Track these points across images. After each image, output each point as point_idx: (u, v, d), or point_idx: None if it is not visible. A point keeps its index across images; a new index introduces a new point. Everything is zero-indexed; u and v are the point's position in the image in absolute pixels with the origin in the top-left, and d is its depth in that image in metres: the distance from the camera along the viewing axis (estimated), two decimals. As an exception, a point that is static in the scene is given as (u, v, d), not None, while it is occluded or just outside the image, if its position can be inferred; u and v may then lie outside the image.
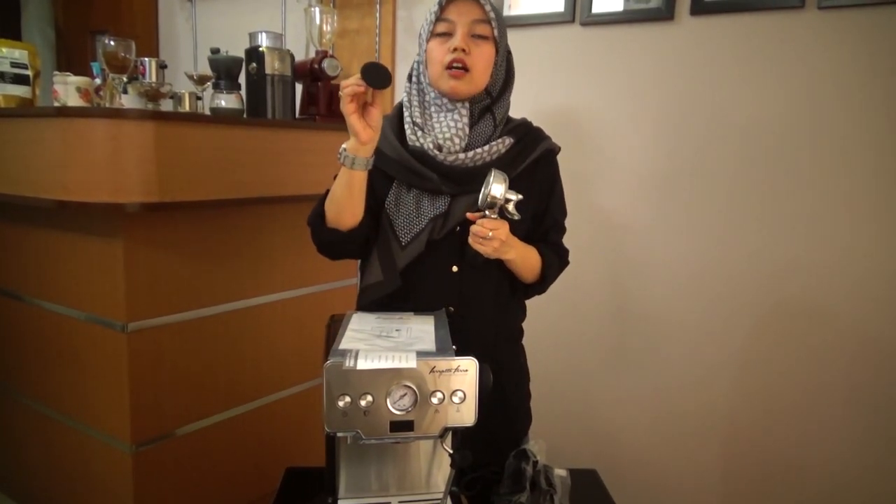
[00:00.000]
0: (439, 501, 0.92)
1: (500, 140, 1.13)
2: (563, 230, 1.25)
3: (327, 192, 1.17)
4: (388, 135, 1.15)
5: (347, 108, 0.98)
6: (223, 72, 1.98)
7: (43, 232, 1.78)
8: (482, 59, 1.09)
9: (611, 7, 1.77)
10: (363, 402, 0.79)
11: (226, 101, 1.98)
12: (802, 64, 1.58)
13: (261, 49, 1.92)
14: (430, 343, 0.88)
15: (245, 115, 2.00)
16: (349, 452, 0.92)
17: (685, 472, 1.84)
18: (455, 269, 1.14)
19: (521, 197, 1.03)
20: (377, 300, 1.16)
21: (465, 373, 0.82)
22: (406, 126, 1.14)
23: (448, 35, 1.09)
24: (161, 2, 2.73)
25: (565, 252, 1.25)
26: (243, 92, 2.02)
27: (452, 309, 1.14)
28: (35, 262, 1.83)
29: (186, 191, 1.57)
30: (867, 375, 1.58)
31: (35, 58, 1.92)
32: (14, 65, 1.85)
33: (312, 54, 2.09)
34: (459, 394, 0.82)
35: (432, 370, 0.81)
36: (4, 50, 1.84)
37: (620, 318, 1.90)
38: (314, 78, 2.03)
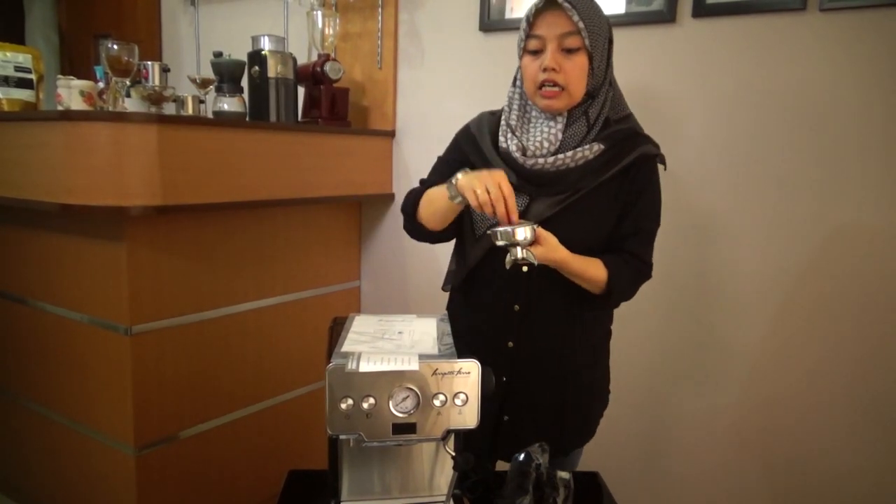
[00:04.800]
0: (442, 504, 0.92)
1: (587, 146, 1.10)
2: (646, 239, 1.17)
3: (424, 182, 1.25)
4: (485, 133, 1.19)
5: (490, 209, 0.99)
6: (226, 75, 1.99)
7: (46, 235, 1.78)
8: (575, 73, 1.07)
9: (612, 10, 1.77)
10: (366, 405, 0.79)
11: (228, 104, 1.98)
12: (803, 66, 1.57)
13: (263, 52, 1.93)
14: (432, 345, 0.88)
15: (248, 119, 2.01)
16: (352, 455, 0.92)
17: (689, 475, 1.84)
18: (525, 268, 1.10)
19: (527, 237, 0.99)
20: (457, 288, 1.28)
21: (467, 375, 0.82)
22: (500, 128, 1.16)
23: (539, 52, 1.08)
24: (164, 6, 2.74)
25: (645, 265, 1.17)
26: (246, 95, 2.03)
27: (518, 307, 1.16)
28: (39, 266, 1.83)
29: (189, 194, 1.58)
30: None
31: (38, 62, 1.93)
32: (18, 69, 1.86)
33: (315, 58, 2.10)
34: (462, 396, 0.82)
35: (434, 372, 0.81)
36: (8, 54, 1.84)
37: (623, 318, 1.89)
38: (316, 81, 2.04)
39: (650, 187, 1.16)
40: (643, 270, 1.17)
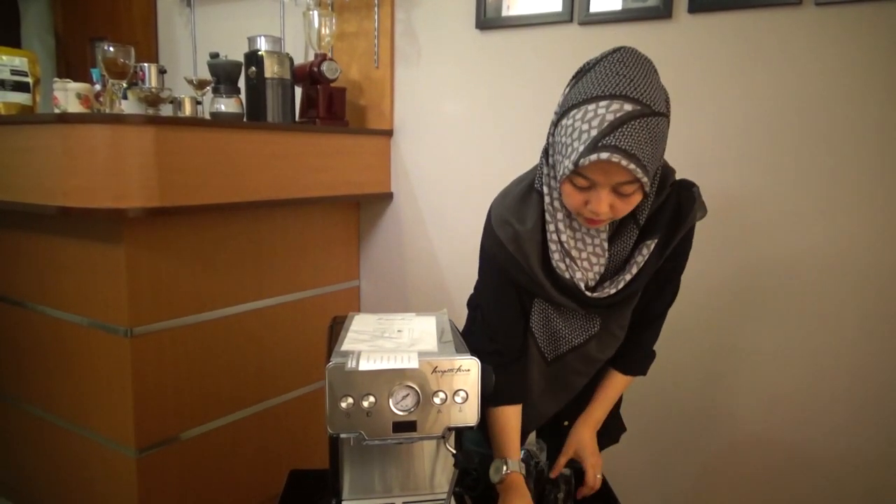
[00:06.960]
0: (443, 502, 0.92)
1: (643, 249, 1.01)
2: (668, 304, 1.15)
3: (480, 309, 1.15)
4: (529, 251, 1.02)
5: None
6: (223, 76, 1.99)
7: (45, 238, 1.78)
8: (626, 209, 0.93)
9: (609, 6, 1.77)
10: (366, 403, 0.79)
11: (225, 105, 1.98)
12: (799, 61, 1.58)
13: (260, 53, 1.93)
14: (431, 343, 0.88)
15: (245, 119, 2.01)
16: (353, 454, 0.92)
17: (689, 470, 1.84)
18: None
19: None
20: None
21: (467, 372, 0.82)
22: (551, 244, 1.00)
23: (586, 188, 0.91)
24: (160, 7, 2.74)
25: (652, 351, 1.20)
26: (243, 96, 2.03)
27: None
28: (37, 269, 1.83)
29: (187, 195, 1.58)
30: None
31: (35, 65, 1.93)
32: (14, 72, 1.86)
33: (311, 57, 2.10)
34: (462, 394, 0.82)
35: (434, 370, 0.81)
36: (4, 58, 1.84)
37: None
38: (313, 81, 2.04)
39: (689, 246, 1.11)
40: (651, 354, 1.21)
